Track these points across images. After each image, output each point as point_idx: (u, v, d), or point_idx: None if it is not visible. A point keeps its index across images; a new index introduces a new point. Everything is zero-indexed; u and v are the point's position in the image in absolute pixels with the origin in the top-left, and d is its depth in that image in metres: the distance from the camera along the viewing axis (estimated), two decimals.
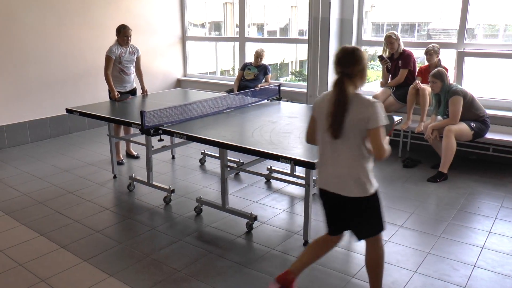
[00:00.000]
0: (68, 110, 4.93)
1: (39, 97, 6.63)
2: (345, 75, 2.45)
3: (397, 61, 5.90)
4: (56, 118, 6.87)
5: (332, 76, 6.49)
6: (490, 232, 3.82)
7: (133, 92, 5.84)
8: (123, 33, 5.52)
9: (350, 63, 2.46)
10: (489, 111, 5.26)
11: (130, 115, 4.76)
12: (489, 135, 5.17)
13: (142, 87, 5.91)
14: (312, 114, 2.68)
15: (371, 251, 2.72)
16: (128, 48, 5.63)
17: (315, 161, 3.08)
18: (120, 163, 5.68)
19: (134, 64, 5.76)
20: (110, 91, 5.53)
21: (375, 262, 2.73)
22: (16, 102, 6.39)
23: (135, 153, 5.96)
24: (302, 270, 2.84)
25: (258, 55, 7.14)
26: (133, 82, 5.85)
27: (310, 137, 2.76)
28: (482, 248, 3.55)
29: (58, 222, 4.08)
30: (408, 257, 3.43)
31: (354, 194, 2.51)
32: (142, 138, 4.69)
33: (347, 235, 2.88)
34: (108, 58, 5.49)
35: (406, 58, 5.82)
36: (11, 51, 6.23)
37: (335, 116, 2.44)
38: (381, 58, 5.93)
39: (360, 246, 3.60)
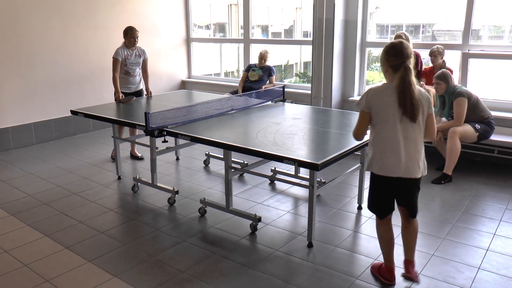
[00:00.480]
0: (72, 112, 4.94)
1: (44, 99, 6.66)
2: (407, 65, 2.74)
3: None
4: (61, 120, 6.90)
5: (338, 77, 6.51)
6: (495, 234, 3.81)
7: (138, 93, 5.86)
8: (130, 34, 5.55)
9: (410, 55, 2.76)
10: (494, 113, 5.24)
11: (135, 116, 4.77)
12: (494, 137, 5.15)
13: (147, 89, 5.92)
14: (365, 110, 2.85)
15: (415, 223, 3.07)
16: (135, 51, 5.66)
17: (319, 162, 3.08)
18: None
19: (140, 66, 5.78)
20: (115, 93, 5.55)
21: (416, 232, 3.09)
22: (21, 104, 6.42)
23: (139, 154, 5.98)
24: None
25: (262, 57, 7.15)
26: (139, 83, 5.87)
27: (363, 133, 2.93)
28: (487, 250, 3.54)
29: (62, 223, 4.10)
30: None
31: (422, 174, 2.89)
32: (146, 140, 4.71)
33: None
34: (115, 61, 5.53)
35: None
36: (17, 53, 6.26)
37: (411, 100, 2.72)
38: None
39: (364, 247, 3.60)
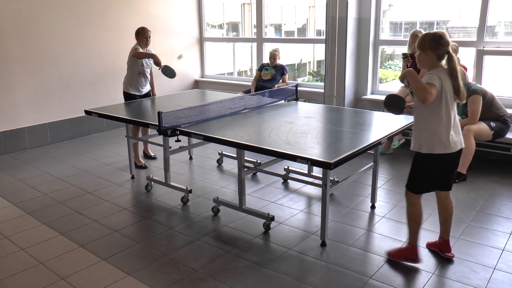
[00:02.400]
0: (86, 112, 4.99)
1: (59, 99, 6.74)
2: (451, 53, 2.99)
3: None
4: (76, 120, 6.96)
5: (351, 75, 6.48)
6: (511, 234, 3.76)
7: (148, 94, 5.90)
8: (142, 34, 5.59)
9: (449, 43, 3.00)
10: (510, 111, 5.17)
11: (148, 116, 4.80)
12: (509, 135, 5.09)
13: (153, 92, 6.01)
14: (438, 84, 2.95)
15: (450, 199, 3.33)
16: (147, 51, 5.68)
17: (332, 161, 3.07)
18: (143, 167, 5.61)
19: (150, 69, 5.83)
20: (154, 59, 5.55)
21: (452, 207, 3.35)
22: (37, 104, 6.50)
23: (152, 154, 6.01)
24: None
25: (272, 55, 7.15)
26: (148, 85, 5.90)
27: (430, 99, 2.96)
28: (503, 250, 3.50)
29: (77, 221, 4.14)
30: (426, 258, 3.39)
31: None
32: (159, 139, 4.73)
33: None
34: (137, 49, 5.50)
35: None
36: (33, 55, 6.34)
37: (460, 85, 3.00)
38: (405, 56, 5.86)
39: (377, 246, 3.58)
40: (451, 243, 3.53)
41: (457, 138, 3.09)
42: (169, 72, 5.72)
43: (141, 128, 5.70)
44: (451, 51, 2.99)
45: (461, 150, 3.13)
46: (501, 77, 6.23)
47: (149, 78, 5.85)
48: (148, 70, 5.78)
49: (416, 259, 3.29)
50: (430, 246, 3.51)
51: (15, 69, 6.19)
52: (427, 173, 3.19)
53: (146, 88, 5.84)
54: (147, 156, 6.01)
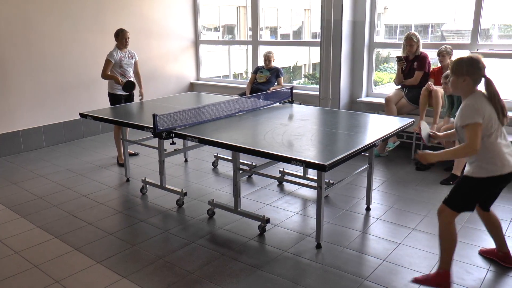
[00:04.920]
0: (81, 115, 4.98)
1: (54, 102, 6.72)
2: (488, 77, 2.94)
3: (412, 63, 5.87)
4: (70, 123, 6.95)
5: (346, 78, 6.50)
6: (504, 235, 3.77)
7: (132, 95, 5.97)
8: (121, 35, 5.70)
9: None
10: None
11: (143, 118, 4.80)
12: None
13: (140, 91, 6.08)
14: (479, 121, 2.81)
15: (494, 213, 3.29)
16: (127, 53, 5.81)
17: (327, 163, 3.08)
18: (121, 164, 5.78)
19: (132, 68, 5.92)
20: (115, 81, 5.67)
21: (498, 220, 3.31)
22: (31, 108, 6.48)
23: (133, 151, 6.18)
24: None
25: (267, 58, 7.16)
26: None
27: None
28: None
29: (72, 224, 4.13)
30: (421, 260, 3.41)
31: None
32: (154, 142, 4.73)
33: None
34: (107, 62, 5.67)
35: (422, 60, 5.79)
36: (27, 58, 6.32)
37: (503, 105, 2.92)
38: (399, 58, 5.89)
39: (372, 248, 3.59)
40: None
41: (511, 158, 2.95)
42: (129, 87, 5.75)
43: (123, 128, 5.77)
44: (487, 75, 2.92)
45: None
46: (495, 79, 6.26)
47: (131, 78, 5.91)
48: (130, 70, 5.88)
49: (449, 286, 3.04)
50: (485, 254, 3.42)
51: (9, 72, 6.17)
52: (476, 193, 3.04)
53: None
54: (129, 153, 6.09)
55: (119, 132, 5.73)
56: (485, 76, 2.91)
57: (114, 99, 5.82)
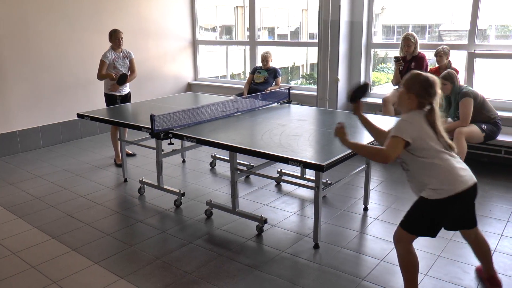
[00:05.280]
0: (79, 115, 4.98)
1: (52, 102, 6.71)
2: (435, 106, 2.70)
3: (409, 63, 5.88)
4: (68, 123, 6.94)
5: (344, 78, 6.51)
6: (502, 235, 3.79)
7: (127, 96, 6.00)
8: (114, 36, 5.73)
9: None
10: (500, 113, 5.22)
11: (140, 119, 4.79)
12: (500, 137, 5.12)
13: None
14: (406, 139, 2.65)
15: (481, 234, 2.99)
16: (121, 53, 5.82)
17: (324, 163, 3.08)
18: (119, 165, 5.82)
19: (128, 68, 5.92)
20: (109, 78, 5.73)
21: (487, 242, 2.99)
22: (29, 108, 6.47)
23: (130, 151, 6.19)
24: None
25: (264, 58, 7.16)
26: (127, 86, 6.01)
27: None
28: (494, 251, 3.52)
29: (69, 225, 4.13)
30: (418, 260, 3.40)
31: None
32: (152, 142, 4.73)
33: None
34: (102, 63, 5.69)
35: (419, 61, 5.80)
36: (25, 58, 6.31)
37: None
38: (397, 59, 5.90)
39: (370, 248, 3.60)
40: (443, 244, 3.56)
41: (465, 172, 2.74)
42: (122, 79, 5.78)
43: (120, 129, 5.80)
44: (434, 104, 2.67)
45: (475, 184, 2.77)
46: (492, 79, 6.29)
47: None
48: (125, 70, 5.87)
49: None
50: (479, 273, 3.17)
51: (6, 72, 6.16)
52: (433, 217, 2.76)
53: (127, 89, 5.98)
54: (127, 154, 6.12)
55: (116, 133, 5.75)
56: (431, 104, 2.68)
57: (110, 99, 5.84)
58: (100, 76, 5.72)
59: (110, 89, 5.80)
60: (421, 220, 2.77)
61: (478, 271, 3.18)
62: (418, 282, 2.93)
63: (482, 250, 3.00)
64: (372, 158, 2.79)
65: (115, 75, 5.69)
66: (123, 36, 5.80)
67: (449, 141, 2.74)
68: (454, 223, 2.88)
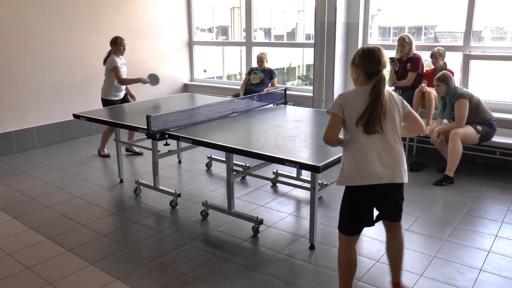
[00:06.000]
0: (75, 116, 4.97)
1: (47, 103, 6.69)
2: (383, 74, 2.58)
3: (405, 64, 5.90)
4: (64, 124, 6.92)
5: (340, 79, 6.52)
6: (496, 236, 3.80)
7: (125, 98, 6.15)
8: (119, 43, 5.86)
9: (386, 63, 2.63)
10: (495, 114, 5.24)
11: (136, 119, 4.79)
12: (495, 139, 5.14)
13: (129, 93, 6.31)
14: (336, 113, 2.60)
15: (399, 234, 2.86)
16: (122, 60, 5.94)
17: (320, 164, 3.08)
18: (106, 155, 6.17)
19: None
20: (139, 81, 5.90)
21: (402, 245, 2.87)
22: (24, 108, 6.45)
23: (137, 150, 6.27)
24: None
25: (260, 59, 7.17)
26: (124, 89, 6.16)
27: (335, 139, 2.69)
28: (489, 252, 3.54)
29: (65, 226, 4.12)
30: (414, 260, 3.42)
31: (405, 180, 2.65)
32: (148, 143, 4.72)
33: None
34: (117, 68, 5.78)
35: (415, 62, 5.82)
36: (21, 58, 6.29)
37: (377, 115, 2.54)
38: (392, 60, 5.92)
39: (366, 249, 3.60)
40: (438, 244, 3.58)
41: (388, 169, 2.58)
42: (155, 79, 5.97)
43: (128, 132, 5.85)
44: (382, 73, 2.58)
45: (392, 184, 2.60)
46: (487, 81, 6.31)
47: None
48: (124, 76, 5.98)
49: None
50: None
51: (1, 72, 6.14)
52: (349, 207, 2.72)
53: (123, 93, 6.09)
54: (132, 152, 6.26)
55: (110, 132, 5.88)
56: (378, 72, 2.57)
57: (107, 104, 5.88)
58: (124, 81, 5.84)
59: (109, 94, 5.90)
60: (343, 212, 2.76)
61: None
62: (402, 282, 2.93)
63: (399, 248, 2.87)
64: (324, 141, 2.68)
65: (144, 79, 5.89)
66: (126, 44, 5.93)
67: (381, 122, 2.54)
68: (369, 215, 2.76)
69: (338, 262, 2.81)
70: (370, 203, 2.71)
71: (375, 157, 2.56)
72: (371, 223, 2.77)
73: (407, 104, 2.70)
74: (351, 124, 2.58)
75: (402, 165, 2.63)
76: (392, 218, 2.80)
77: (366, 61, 2.60)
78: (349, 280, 2.80)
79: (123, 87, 6.02)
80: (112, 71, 5.77)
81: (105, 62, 5.89)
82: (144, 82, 5.90)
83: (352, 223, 2.74)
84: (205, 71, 8.85)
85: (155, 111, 5.02)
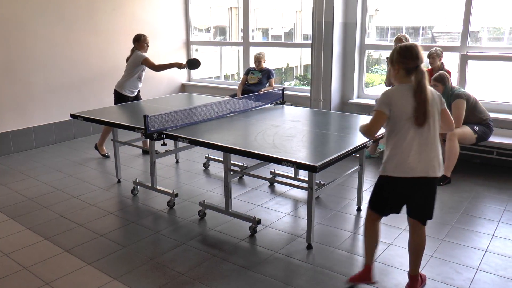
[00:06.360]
0: (72, 116, 4.96)
1: (45, 103, 6.68)
2: (421, 68, 2.73)
3: None
4: (61, 124, 6.91)
5: (337, 79, 6.53)
6: (493, 235, 3.81)
7: (138, 96, 6.13)
8: (143, 40, 5.98)
9: (423, 58, 2.80)
10: (492, 115, 5.25)
11: (134, 119, 4.79)
12: (492, 139, 5.16)
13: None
14: (383, 111, 2.76)
15: (421, 234, 2.94)
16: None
17: (317, 164, 3.09)
18: (106, 156, 6.16)
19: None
20: (175, 66, 6.01)
21: (420, 245, 2.97)
22: (22, 108, 6.44)
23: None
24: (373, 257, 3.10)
25: (257, 59, 7.17)
26: (139, 87, 6.16)
27: (375, 133, 2.91)
28: (486, 251, 3.55)
29: (62, 226, 4.11)
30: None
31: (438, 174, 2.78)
32: (145, 143, 4.72)
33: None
34: (147, 59, 5.87)
35: None
36: (18, 58, 6.28)
37: (425, 107, 2.70)
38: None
39: (363, 249, 3.60)
40: (435, 244, 3.58)
41: (417, 164, 2.72)
42: (194, 63, 6.04)
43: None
44: (421, 66, 2.73)
45: (423, 178, 2.74)
46: (484, 81, 6.33)
47: (141, 82, 6.12)
48: (144, 73, 6.04)
49: (370, 280, 3.08)
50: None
51: (0, 72, 6.14)
52: (381, 193, 2.93)
53: (137, 90, 6.10)
54: (146, 152, 6.16)
55: (109, 131, 5.87)
56: (418, 67, 2.72)
57: (120, 99, 5.91)
58: (159, 67, 5.95)
59: (125, 89, 5.93)
60: (374, 194, 2.97)
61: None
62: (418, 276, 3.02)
63: (420, 245, 2.97)
64: (362, 132, 2.95)
65: (181, 64, 5.96)
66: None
67: (428, 114, 2.69)
68: (397, 205, 2.93)
69: (363, 232, 3.08)
70: (398, 194, 2.86)
71: (413, 151, 2.71)
72: (398, 211, 2.96)
73: (444, 100, 2.86)
74: (398, 120, 2.73)
75: (437, 159, 2.77)
76: (413, 214, 2.91)
77: (405, 57, 2.75)
78: (370, 250, 3.05)
79: (140, 84, 6.04)
80: (142, 64, 5.85)
81: (128, 59, 5.99)
82: (180, 67, 5.93)
83: (377, 204, 2.96)
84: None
85: (152, 111, 5.02)
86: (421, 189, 2.80)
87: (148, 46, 5.99)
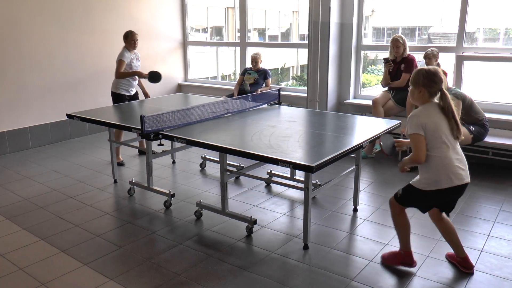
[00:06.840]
0: (68, 116, 4.95)
1: (41, 103, 6.67)
2: (444, 90, 3.02)
3: (399, 65, 5.92)
4: (57, 124, 6.90)
5: (334, 80, 6.54)
6: (489, 235, 3.83)
7: (135, 96, 6.04)
8: (130, 37, 5.77)
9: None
10: (488, 115, 5.27)
11: (130, 119, 4.78)
12: (488, 139, 5.18)
13: (146, 93, 6.27)
14: (419, 133, 2.98)
15: (447, 219, 3.30)
16: (135, 54, 5.87)
17: (314, 164, 3.09)
18: (120, 163, 5.84)
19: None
20: (138, 75, 5.80)
21: (452, 225, 3.30)
22: (18, 108, 6.42)
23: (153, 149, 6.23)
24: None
25: (254, 59, 7.17)
26: (136, 86, 6.07)
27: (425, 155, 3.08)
28: (481, 251, 3.56)
29: (58, 226, 4.10)
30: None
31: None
32: (141, 143, 4.71)
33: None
34: (121, 62, 5.68)
35: (409, 63, 5.84)
36: (14, 58, 6.27)
37: (457, 123, 3.02)
38: (386, 61, 5.94)
39: (360, 249, 3.62)
40: (431, 244, 3.59)
41: (463, 172, 3.05)
42: (155, 76, 5.83)
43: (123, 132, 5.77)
44: (444, 89, 3.00)
45: (466, 183, 3.09)
46: (480, 82, 6.35)
47: (137, 80, 6.01)
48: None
49: (412, 264, 3.30)
50: (450, 258, 3.42)
51: None
52: (424, 203, 3.22)
53: (134, 89, 6.00)
54: (142, 152, 6.14)
55: (117, 138, 5.68)
56: (441, 90, 3.00)
57: (118, 99, 5.85)
58: (121, 75, 5.72)
59: (120, 88, 5.85)
60: (412, 200, 3.20)
61: (448, 257, 3.43)
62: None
63: (449, 233, 3.28)
64: (413, 164, 3.11)
65: (143, 73, 5.75)
66: (138, 38, 5.85)
67: (461, 128, 3.03)
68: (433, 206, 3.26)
69: (396, 225, 3.29)
70: (445, 202, 3.19)
71: (456, 161, 3.01)
72: (426, 211, 3.29)
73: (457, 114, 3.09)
74: (433, 137, 2.97)
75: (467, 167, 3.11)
76: (446, 210, 3.27)
77: (432, 81, 2.99)
78: (407, 237, 3.28)
79: (135, 83, 5.96)
80: (116, 64, 5.72)
81: None
82: (141, 76, 5.78)
83: (411, 205, 3.24)
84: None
85: (149, 111, 5.01)
86: (460, 193, 3.13)
87: (135, 43, 5.81)
